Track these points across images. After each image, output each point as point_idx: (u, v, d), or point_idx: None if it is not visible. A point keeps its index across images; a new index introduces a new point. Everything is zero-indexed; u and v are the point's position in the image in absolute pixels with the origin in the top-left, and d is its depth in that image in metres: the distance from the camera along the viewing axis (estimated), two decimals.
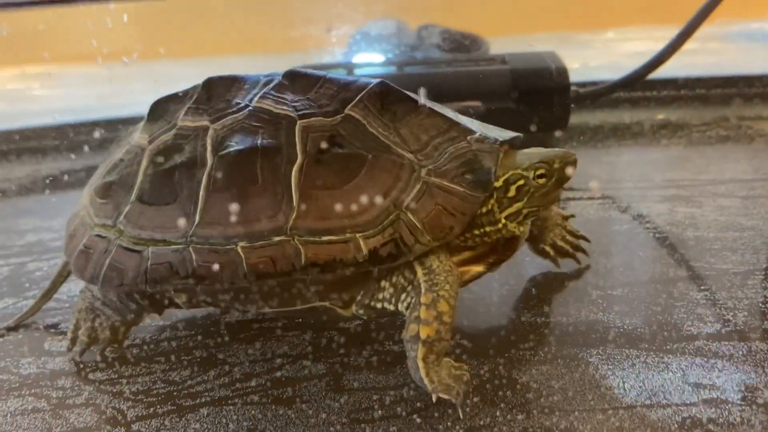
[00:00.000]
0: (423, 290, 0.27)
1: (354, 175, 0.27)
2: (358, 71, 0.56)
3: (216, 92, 0.31)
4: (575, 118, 0.54)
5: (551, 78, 0.52)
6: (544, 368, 0.28)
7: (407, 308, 0.27)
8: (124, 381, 0.29)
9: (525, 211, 0.29)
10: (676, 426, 0.24)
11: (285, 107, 0.29)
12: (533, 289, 0.34)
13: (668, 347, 0.28)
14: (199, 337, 0.32)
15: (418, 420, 0.26)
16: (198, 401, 0.28)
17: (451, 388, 0.26)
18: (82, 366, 0.30)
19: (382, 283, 0.28)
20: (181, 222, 0.28)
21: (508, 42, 0.77)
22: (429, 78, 0.53)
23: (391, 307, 0.28)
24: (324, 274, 0.27)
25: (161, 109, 0.32)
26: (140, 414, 0.27)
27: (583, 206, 0.44)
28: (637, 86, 0.61)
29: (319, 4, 1.02)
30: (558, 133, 0.56)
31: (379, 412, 0.26)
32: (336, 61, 0.70)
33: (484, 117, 0.52)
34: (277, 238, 0.27)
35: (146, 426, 0.26)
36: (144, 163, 0.30)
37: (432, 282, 0.27)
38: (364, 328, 0.31)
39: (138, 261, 0.28)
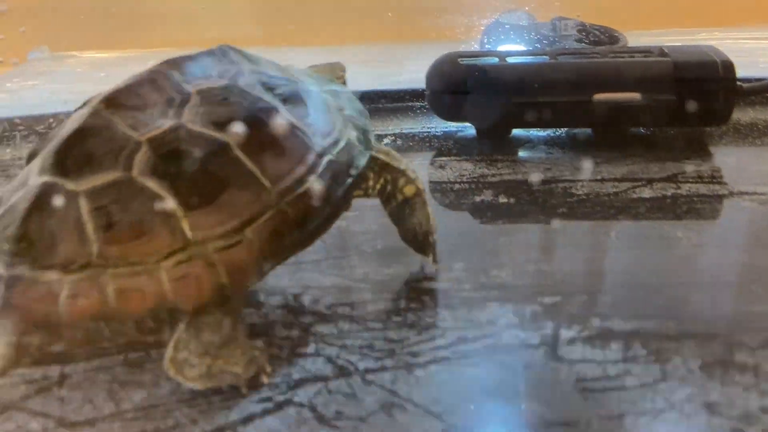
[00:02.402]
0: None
1: None
2: (510, 60, 0.56)
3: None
4: (735, 114, 0.53)
5: (717, 71, 0.51)
6: None
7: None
8: (348, 335, 0.32)
9: None
10: None
11: None
12: None
13: None
14: (402, 302, 0.34)
15: None
16: (422, 359, 0.29)
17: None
18: (302, 319, 0.33)
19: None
20: None
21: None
22: (585, 68, 0.53)
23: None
24: None
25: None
26: (370, 366, 0.29)
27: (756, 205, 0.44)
28: None
29: None
30: (718, 128, 0.55)
31: None
32: (484, 50, 0.71)
33: (643, 109, 0.52)
34: None
35: (379, 377, 0.29)
36: None
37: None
38: None
39: None
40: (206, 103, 0.30)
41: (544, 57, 0.57)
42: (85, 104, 0.31)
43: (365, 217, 0.44)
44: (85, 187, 0.28)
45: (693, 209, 0.43)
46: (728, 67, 0.51)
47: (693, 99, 0.51)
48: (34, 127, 0.64)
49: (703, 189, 0.45)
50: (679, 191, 0.45)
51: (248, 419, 0.26)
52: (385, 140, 0.60)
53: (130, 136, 0.29)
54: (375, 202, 0.47)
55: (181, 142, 0.29)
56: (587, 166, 0.50)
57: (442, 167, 0.52)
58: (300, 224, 0.30)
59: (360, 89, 0.70)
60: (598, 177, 0.48)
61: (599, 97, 0.52)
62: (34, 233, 0.27)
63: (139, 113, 0.30)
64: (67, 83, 0.88)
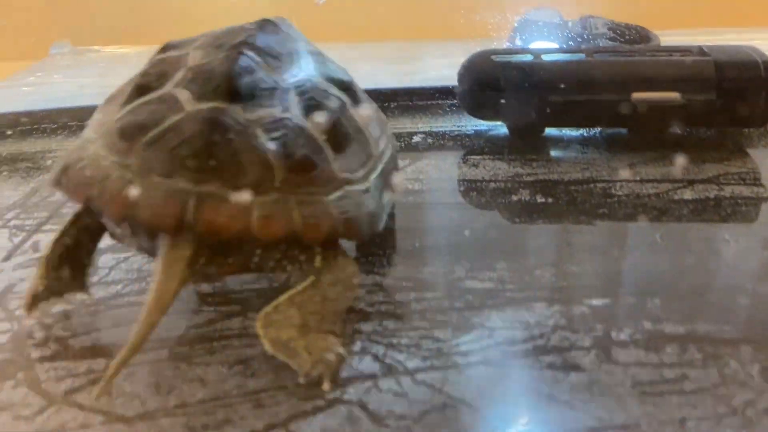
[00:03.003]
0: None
1: None
2: (546, 57, 0.56)
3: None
4: None
5: (759, 71, 0.50)
6: None
7: None
8: (394, 334, 0.31)
9: None
10: None
11: None
12: None
13: None
14: (446, 302, 0.34)
15: None
16: (472, 359, 0.29)
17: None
18: (346, 317, 0.32)
19: None
20: None
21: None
22: (623, 66, 0.53)
23: None
24: None
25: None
26: (419, 366, 0.29)
27: None
28: None
29: None
30: (757, 130, 0.54)
31: None
32: (522, 47, 0.70)
33: (682, 109, 0.51)
34: None
35: (429, 377, 0.28)
36: None
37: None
38: None
39: None
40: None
41: (580, 55, 0.56)
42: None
43: (401, 215, 0.43)
44: (256, 117, 0.30)
45: (738, 211, 0.42)
46: None
47: (734, 99, 0.50)
48: (57, 119, 0.64)
49: (746, 191, 0.44)
50: (722, 193, 0.44)
51: (299, 416, 0.26)
52: (416, 138, 0.59)
53: (276, 80, 0.33)
54: (417, 199, 0.46)
55: (315, 92, 0.33)
56: (625, 165, 0.50)
57: (475, 166, 0.52)
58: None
59: (389, 86, 0.70)
60: (637, 178, 0.47)
61: (638, 96, 0.51)
62: (220, 154, 0.28)
63: (272, 60, 0.34)
64: (90, 77, 0.88)
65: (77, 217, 0.33)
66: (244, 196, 0.28)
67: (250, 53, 0.32)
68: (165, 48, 0.35)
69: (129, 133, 0.30)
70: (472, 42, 0.79)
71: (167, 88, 0.32)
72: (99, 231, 0.33)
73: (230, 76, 0.31)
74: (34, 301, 0.32)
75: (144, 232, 0.30)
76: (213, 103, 0.30)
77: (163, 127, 0.29)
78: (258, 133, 0.30)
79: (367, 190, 0.32)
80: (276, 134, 0.30)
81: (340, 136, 0.33)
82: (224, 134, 0.29)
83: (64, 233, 0.33)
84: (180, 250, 0.28)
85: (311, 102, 0.33)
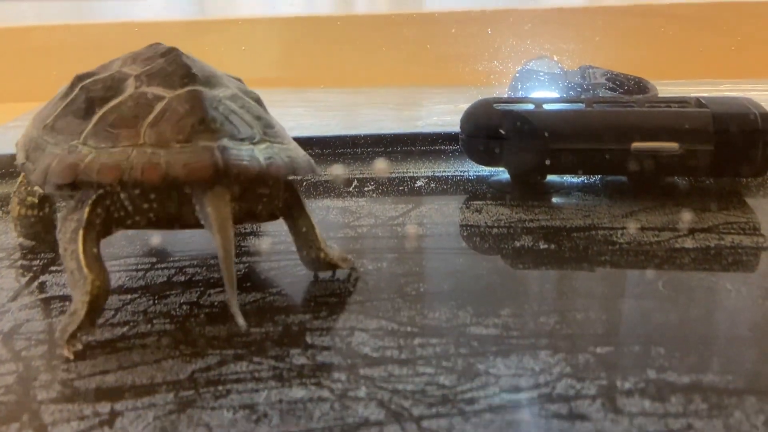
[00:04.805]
0: None
1: None
2: (546, 106, 0.57)
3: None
4: None
5: (756, 123, 0.51)
6: None
7: None
8: (399, 380, 0.31)
9: None
10: None
11: None
12: None
13: None
14: (452, 348, 0.34)
15: None
16: (477, 407, 0.29)
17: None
18: (351, 361, 0.32)
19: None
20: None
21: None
22: (624, 116, 0.54)
23: None
24: None
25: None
26: (424, 413, 0.29)
27: None
28: None
29: (469, 41, 1.06)
30: (754, 180, 0.55)
31: None
32: (516, 96, 0.72)
33: (681, 159, 0.52)
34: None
35: (435, 424, 0.28)
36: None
37: None
38: None
39: None
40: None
41: (580, 104, 0.57)
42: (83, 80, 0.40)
43: (405, 259, 0.44)
44: (223, 95, 0.38)
45: (739, 261, 0.42)
46: (766, 118, 0.51)
47: (731, 150, 0.51)
48: None
49: (746, 240, 0.45)
50: (722, 242, 0.45)
51: None
52: (419, 182, 0.60)
53: (212, 70, 0.40)
54: (421, 244, 0.47)
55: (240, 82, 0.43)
56: (626, 213, 0.50)
57: (478, 211, 0.52)
58: None
59: (393, 131, 0.72)
60: (638, 225, 0.48)
61: (637, 145, 0.52)
62: (219, 118, 0.36)
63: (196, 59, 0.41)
64: None
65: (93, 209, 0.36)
66: (248, 146, 0.36)
67: (184, 54, 0.40)
68: (80, 78, 0.40)
69: (124, 124, 0.36)
70: (473, 89, 0.81)
71: (130, 91, 0.37)
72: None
73: (187, 67, 0.38)
74: (74, 336, 0.33)
75: (175, 196, 0.35)
76: (186, 88, 0.37)
77: (156, 111, 0.36)
78: (227, 103, 0.37)
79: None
80: (239, 103, 0.38)
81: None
82: (211, 104, 0.36)
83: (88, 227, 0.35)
84: (222, 195, 0.34)
85: (244, 89, 0.41)
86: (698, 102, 0.55)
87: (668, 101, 0.57)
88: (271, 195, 0.38)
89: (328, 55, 1.12)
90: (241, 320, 0.33)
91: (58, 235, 0.36)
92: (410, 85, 1.12)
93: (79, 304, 0.33)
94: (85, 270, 0.34)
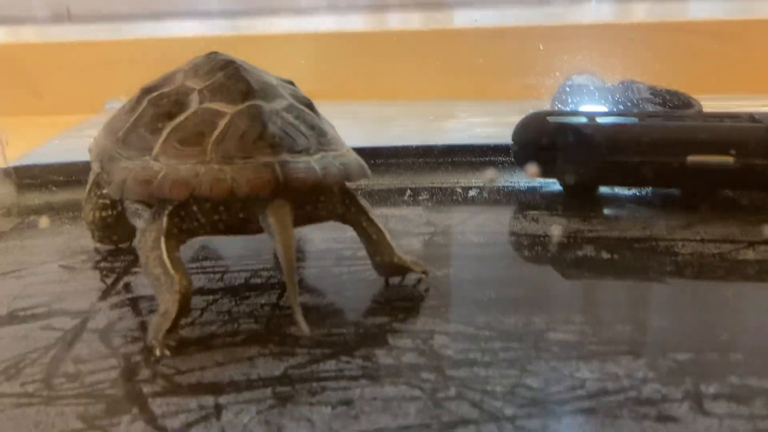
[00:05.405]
0: None
1: None
2: (599, 120, 0.58)
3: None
4: None
5: None
6: None
7: None
8: (486, 381, 0.32)
9: None
10: None
11: None
12: None
13: None
14: (533, 351, 0.35)
15: None
16: (568, 408, 0.30)
17: None
18: (436, 363, 0.33)
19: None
20: None
21: None
22: (676, 130, 0.55)
23: None
24: None
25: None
26: (517, 413, 0.30)
27: None
28: None
29: (501, 57, 1.08)
30: None
31: None
32: (570, 109, 0.73)
33: (736, 172, 0.53)
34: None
35: (529, 424, 0.29)
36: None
37: None
38: None
39: None
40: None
41: (632, 118, 0.59)
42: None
43: (470, 266, 0.45)
44: (279, 106, 0.40)
45: None
46: None
47: None
48: None
49: None
50: None
51: None
52: (471, 192, 0.61)
53: (268, 80, 0.41)
54: (484, 252, 0.48)
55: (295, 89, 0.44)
56: (683, 225, 0.51)
57: (534, 221, 0.54)
58: None
59: (444, 142, 0.73)
60: (698, 237, 0.49)
61: (693, 159, 0.53)
62: (278, 133, 0.38)
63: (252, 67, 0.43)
64: None
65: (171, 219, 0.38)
66: (305, 158, 0.38)
67: (239, 63, 0.41)
68: (146, 91, 0.42)
69: (192, 141, 0.38)
70: (509, 103, 0.83)
71: (194, 107, 0.39)
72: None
73: (246, 81, 0.40)
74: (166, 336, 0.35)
75: (240, 208, 0.38)
76: (246, 103, 0.38)
77: (220, 128, 0.38)
78: (284, 116, 0.39)
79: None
80: (294, 113, 0.40)
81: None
82: (270, 119, 0.38)
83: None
84: (283, 207, 0.37)
85: (298, 95, 0.43)
86: (751, 117, 0.56)
87: (720, 116, 0.58)
88: (326, 200, 0.41)
89: (363, 69, 1.14)
90: (304, 326, 0.35)
91: (138, 245, 0.38)
92: (438, 98, 1.13)
93: (170, 304, 0.35)
94: (172, 271, 0.36)
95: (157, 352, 0.34)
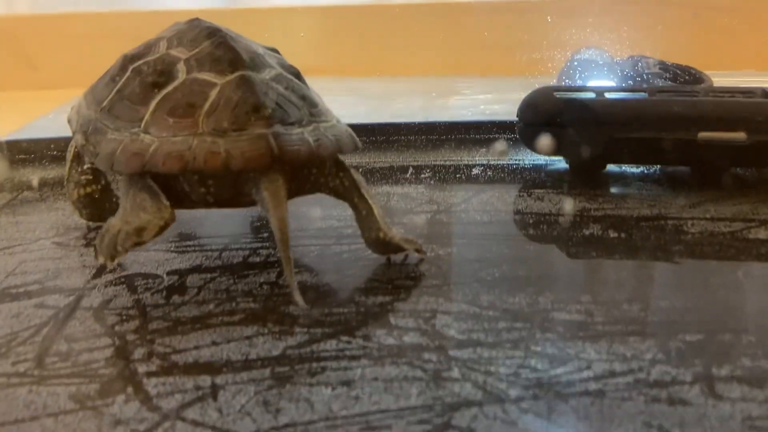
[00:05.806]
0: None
1: None
2: (608, 95, 0.57)
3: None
4: None
5: None
6: None
7: None
8: (490, 362, 0.31)
9: None
10: None
11: None
12: None
13: None
14: (537, 332, 0.34)
15: None
16: (575, 390, 0.29)
17: None
18: (438, 343, 0.32)
19: None
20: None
21: None
22: (686, 106, 0.53)
23: None
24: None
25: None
26: (522, 395, 0.29)
27: None
28: None
29: (506, 32, 1.05)
30: None
31: None
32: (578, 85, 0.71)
33: (748, 149, 0.52)
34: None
35: (534, 406, 0.28)
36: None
37: None
38: None
39: None
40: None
41: (642, 93, 0.57)
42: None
43: (474, 245, 0.44)
44: (269, 77, 0.39)
45: None
46: None
47: None
48: None
49: None
50: None
51: None
52: (475, 170, 0.60)
53: (254, 48, 0.40)
54: (488, 230, 0.47)
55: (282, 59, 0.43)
56: (692, 203, 0.50)
57: (540, 199, 0.52)
58: None
59: (447, 119, 0.72)
60: (708, 216, 0.48)
61: (704, 135, 0.52)
62: (271, 104, 0.37)
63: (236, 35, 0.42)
64: None
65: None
66: (298, 130, 0.37)
67: (225, 31, 0.40)
68: (129, 59, 0.41)
69: (182, 112, 0.37)
70: (512, 79, 0.81)
71: (182, 77, 0.38)
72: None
73: (234, 50, 0.38)
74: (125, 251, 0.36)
75: (231, 181, 0.37)
76: (235, 73, 0.37)
77: (211, 99, 0.37)
78: (274, 86, 0.38)
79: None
80: (284, 84, 0.39)
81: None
82: (261, 90, 0.37)
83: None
84: (277, 180, 0.36)
85: (284, 64, 0.42)
86: (765, 92, 0.54)
87: (732, 91, 0.56)
88: (318, 172, 0.40)
89: (364, 44, 1.12)
90: (300, 300, 0.34)
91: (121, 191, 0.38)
92: (441, 74, 1.11)
93: (147, 224, 0.35)
94: (164, 199, 0.36)
95: (109, 263, 0.35)
